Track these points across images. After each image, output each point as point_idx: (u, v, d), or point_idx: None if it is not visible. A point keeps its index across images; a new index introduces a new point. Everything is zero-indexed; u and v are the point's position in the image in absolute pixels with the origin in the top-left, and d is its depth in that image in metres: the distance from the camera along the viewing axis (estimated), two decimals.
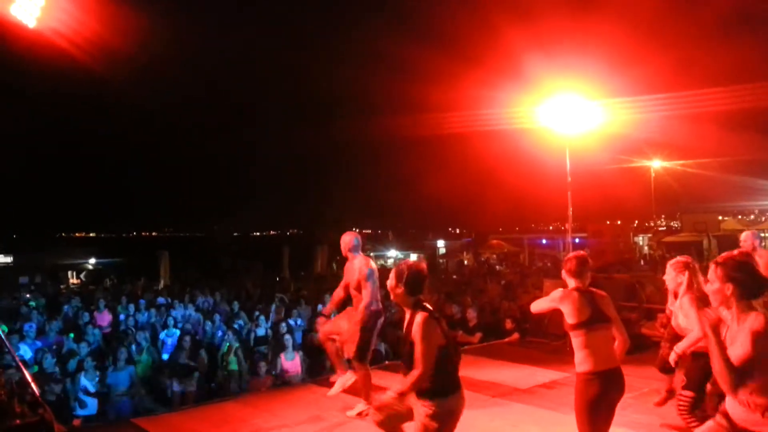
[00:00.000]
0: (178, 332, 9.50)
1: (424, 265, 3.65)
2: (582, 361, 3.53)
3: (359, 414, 5.68)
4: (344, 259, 6.06)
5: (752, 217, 41.65)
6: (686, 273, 4.32)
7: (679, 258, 4.51)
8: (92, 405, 7.15)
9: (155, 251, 22.95)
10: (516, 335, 9.21)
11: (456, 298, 11.79)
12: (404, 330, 3.47)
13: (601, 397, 3.47)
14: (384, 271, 5.05)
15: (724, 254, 2.74)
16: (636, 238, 28.25)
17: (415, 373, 3.25)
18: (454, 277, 20.33)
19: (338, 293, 5.93)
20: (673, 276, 4.41)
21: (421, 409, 3.32)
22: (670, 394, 5.18)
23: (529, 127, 10.21)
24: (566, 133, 9.50)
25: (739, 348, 2.53)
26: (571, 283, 3.73)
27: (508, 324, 9.57)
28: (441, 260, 29.19)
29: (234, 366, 8.31)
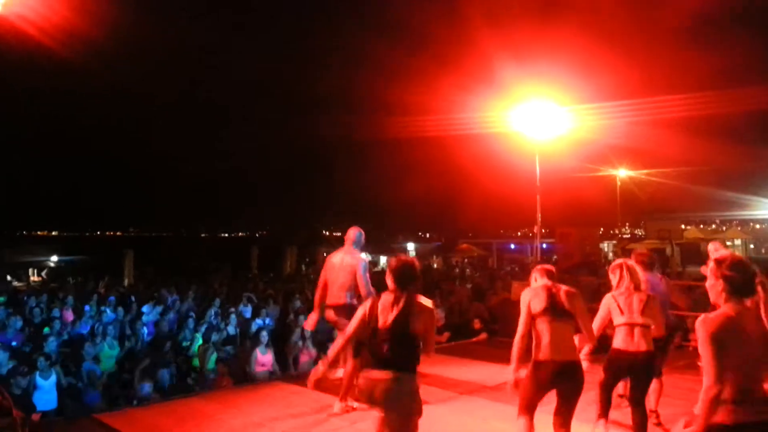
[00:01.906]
0: (145, 330, 9.35)
1: (413, 260, 3.66)
2: (534, 349, 3.84)
3: (345, 409, 5.64)
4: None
5: (713, 226, 42.90)
6: (616, 272, 4.46)
7: (618, 260, 4.67)
8: (52, 401, 6.97)
9: (120, 250, 22.51)
10: (484, 335, 9.30)
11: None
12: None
13: (545, 384, 3.77)
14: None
15: (724, 253, 2.94)
16: (601, 245, 28.86)
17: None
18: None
19: (320, 295, 5.91)
20: (611, 277, 4.56)
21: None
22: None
23: (501, 132, 10.37)
24: (537, 138, 9.67)
25: None
26: (541, 282, 4.01)
27: (477, 324, 9.66)
28: None
29: (208, 364, 8.21)
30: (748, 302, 2.71)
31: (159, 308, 11.54)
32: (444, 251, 30.27)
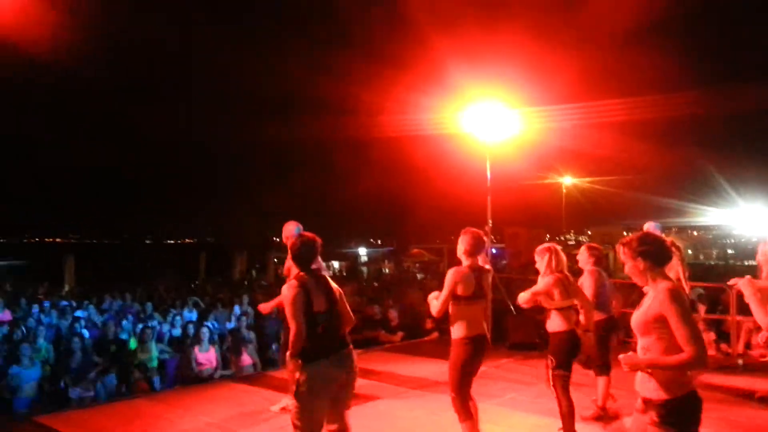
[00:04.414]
0: (87, 333, 9.01)
1: (312, 235, 3.72)
2: (459, 328, 4.05)
3: (283, 409, 5.59)
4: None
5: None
6: (546, 255, 4.58)
7: (543, 245, 4.78)
8: None
9: (59, 256, 21.70)
10: (435, 334, 9.38)
11: (378, 300, 11.88)
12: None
13: (473, 357, 4.03)
14: None
15: (626, 237, 2.85)
16: None
17: (290, 335, 3.38)
18: (375, 284, 20.47)
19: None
20: (539, 261, 4.66)
21: (295, 371, 3.40)
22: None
23: (452, 134, 10.47)
24: (487, 140, 9.81)
25: (643, 308, 2.68)
26: (465, 261, 4.15)
27: (429, 324, 9.74)
28: (363, 268, 29.30)
29: (150, 363, 7.97)
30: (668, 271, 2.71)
31: (94, 312, 11.19)
32: (396, 256, 30.44)
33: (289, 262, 4.83)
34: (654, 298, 2.63)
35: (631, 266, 2.74)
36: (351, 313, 3.72)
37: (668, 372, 2.56)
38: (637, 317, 2.69)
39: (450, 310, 4.11)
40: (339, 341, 3.53)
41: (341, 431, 3.59)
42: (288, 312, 3.39)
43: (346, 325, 3.64)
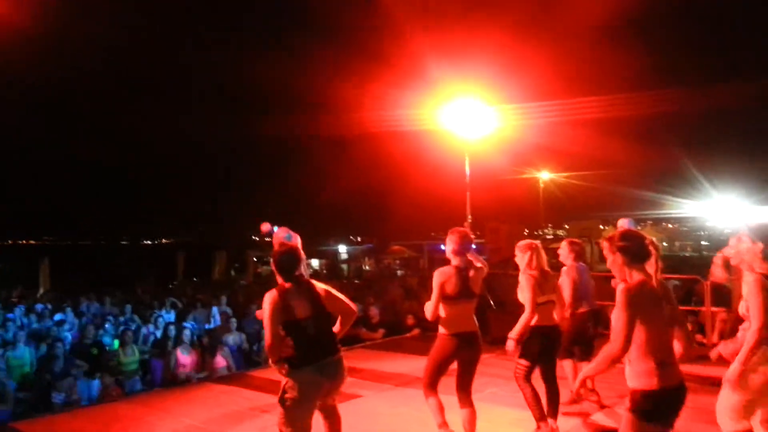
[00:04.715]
0: (69, 336, 8.89)
1: (294, 245, 3.91)
2: (442, 325, 4.11)
3: None
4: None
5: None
6: (527, 253, 4.61)
7: (525, 241, 4.83)
8: None
9: (33, 259, 21.32)
10: (417, 330, 9.41)
11: (359, 298, 11.86)
12: None
13: (452, 353, 4.09)
14: None
15: (610, 233, 2.99)
16: None
17: (264, 343, 3.47)
18: (356, 281, 20.45)
19: None
20: (520, 256, 4.70)
21: (282, 378, 3.43)
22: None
23: (431, 130, 10.52)
24: (466, 137, 9.87)
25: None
26: (454, 260, 4.15)
27: (410, 320, 9.76)
28: (343, 265, 29.24)
29: (129, 367, 7.88)
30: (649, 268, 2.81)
31: (71, 315, 11.01)
32: (376, 253, 30.43)
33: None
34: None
35: (612, 260, 2.88)
36: (350, 305, 3.78)
37: (637, 362, 2.69)
38: (614, 312, 2.77)
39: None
40: (327, 347, 3.53)
41: (332, 422, 3.69)
42: (263, 322, 3.42)
43: (348, 319, 3.73)
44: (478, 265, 4.24)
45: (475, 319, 4.24)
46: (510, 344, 4.44)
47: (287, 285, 3.51)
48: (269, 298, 3.43)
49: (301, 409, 3.40)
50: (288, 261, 3.60)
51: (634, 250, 2.81)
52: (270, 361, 3.45)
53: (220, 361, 8.28)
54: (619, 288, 2.75)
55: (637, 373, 2.70)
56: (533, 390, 4.47)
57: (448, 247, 4.23)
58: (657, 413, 2.67)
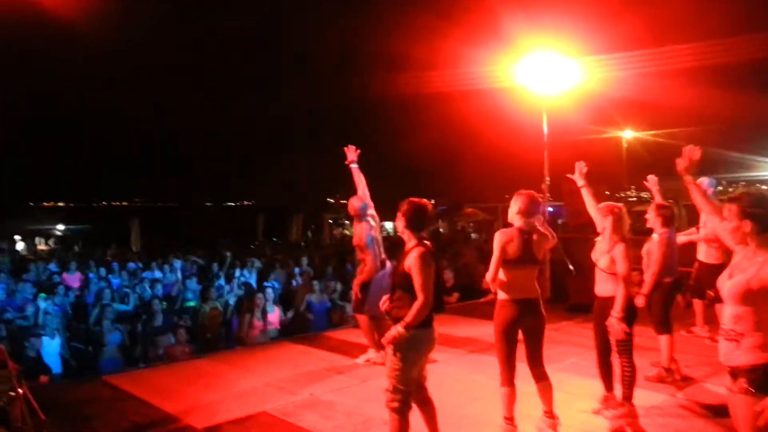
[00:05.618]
0: (160, 290, 9.42)
1: (426, 202, 3.72)
2: (502, 290, 3.97)
3: (367, 361, 5.83)
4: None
5: (720, 187, 42.47)
6: (610, 217, 4.29)
7: (606, 203, 4.49)
8: (56, 364, 6.99)
9: (126, 219, 22.63)
10: (492, 295, 9.23)
11: None
12: (398, 261, 3.61)
13: (515, 320, 3.89)
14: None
15: (739, 191, 2.74)
16: None
17: (417, 304, 3.35)
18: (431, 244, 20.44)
19: None
20: (600, 220, 4.41)
21: (400, 335, 3.38)
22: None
23: (506, 87, 10.07)
24: (543, 93, 9.39)
25: (744, 277, 2.50)
26: (517, 222, 3.96)
27: (485, 285, 9.57)
28: None
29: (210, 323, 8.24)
30: None
31: (166, 272, 11.62)
32: (449, 215, 30.14)
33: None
34: (763, 266, 2.47)
35: (735, 226, 2.61)
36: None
37: (757, 336, 2.45)
38: (736, 284, 2.52)
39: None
40: (441, 307, 3.64)
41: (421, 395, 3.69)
42: (418, 282, 3.38)
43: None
44: (545, 232, 4.03)
45: (537, 285, 4.05)
46: (614, 323, 4.16)
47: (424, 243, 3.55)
48: (422, 257, 3.42)
49: (417, 362, 3.49)
50: (418, 216, 3.62)
51: (766, 218, 2.54)
52: (409, 322, 3.39)
53: (300, 320, 8.51)
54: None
55: (760, 346, 2.46)
56: (633, 368, 4.27)
57: (513, 208, 4.03)
58: None
